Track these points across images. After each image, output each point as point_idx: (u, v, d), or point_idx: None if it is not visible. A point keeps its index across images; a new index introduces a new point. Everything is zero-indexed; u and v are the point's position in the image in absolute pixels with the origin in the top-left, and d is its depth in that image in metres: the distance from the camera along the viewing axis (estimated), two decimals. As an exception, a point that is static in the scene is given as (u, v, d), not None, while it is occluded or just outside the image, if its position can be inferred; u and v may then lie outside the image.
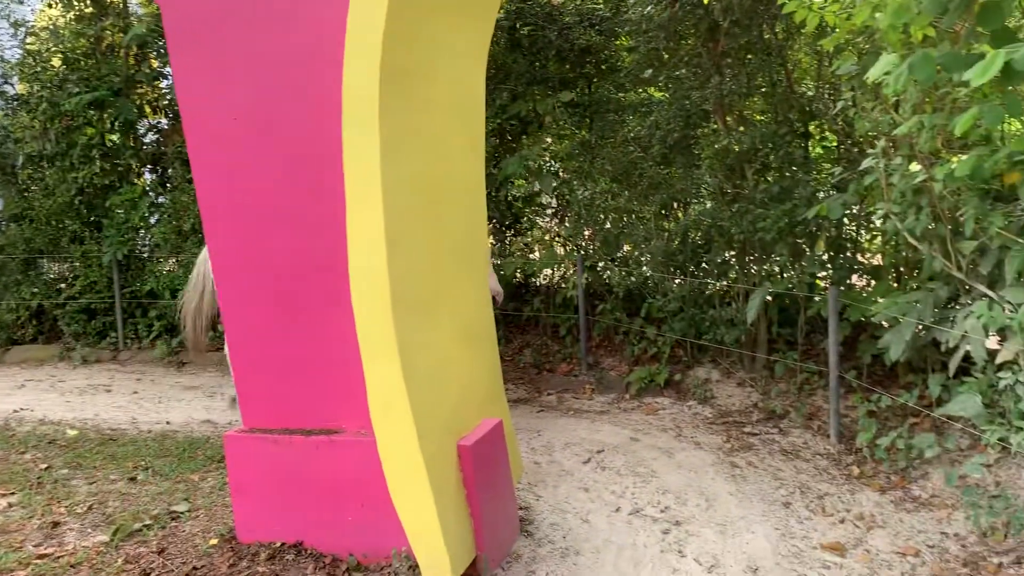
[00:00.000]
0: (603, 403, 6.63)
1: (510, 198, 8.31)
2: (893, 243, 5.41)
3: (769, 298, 6.27)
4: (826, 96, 6.21)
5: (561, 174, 8.47)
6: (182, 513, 4.28)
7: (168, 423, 6.35)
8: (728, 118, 6.74)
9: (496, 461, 3.83)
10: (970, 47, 3.19)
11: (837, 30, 4.47)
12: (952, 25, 3.62)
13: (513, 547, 3.88)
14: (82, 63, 9.13)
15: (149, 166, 9.70)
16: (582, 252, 7.84)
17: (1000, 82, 3.00)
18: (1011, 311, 3.81)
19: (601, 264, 7.78)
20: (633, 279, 7.29)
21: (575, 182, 7.97)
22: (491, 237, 8.40)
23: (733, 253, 6.84)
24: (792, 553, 3.83)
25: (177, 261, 9.10)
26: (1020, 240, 3.77)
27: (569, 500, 4.51)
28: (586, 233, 8.05)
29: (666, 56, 7.19)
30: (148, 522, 4.14)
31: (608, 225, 7.76)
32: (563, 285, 8.17)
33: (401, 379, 3.24)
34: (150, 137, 9.70)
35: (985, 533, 3.82)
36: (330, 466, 3.53)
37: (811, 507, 4.36)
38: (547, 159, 8.34)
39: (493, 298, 5.32)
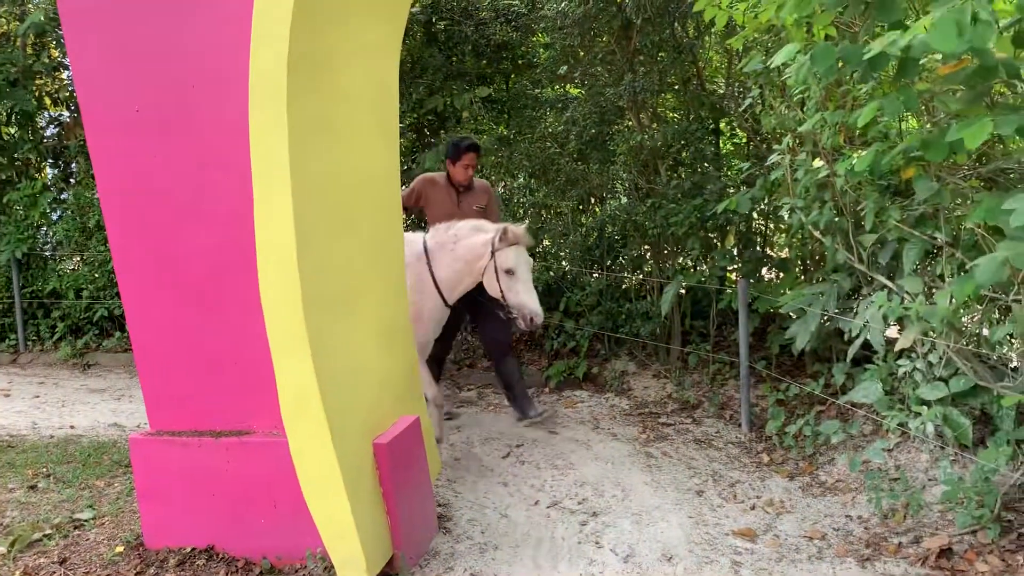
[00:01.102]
0: (522, 398, 6.65)
1: (428, 193, 8.25)
2: (799, 236, 5.59)
3: (682, 291, 6.40)
4: (736, 94, 6.36)
5: (480, 169, 8.46)
6: (86, 521, 4.11)
7: (72, 427, 6.09)
8: (642, 115, 6.85)
9: (413, 458, 3.80)
10: (868, 43, 3.30)
11: (745, 28, 4.58)
12: (852, 18, 3.75)
13: (431, 544, 3.86)
14: (-26, 52, 8.69)
15: (50, 160, 9.29)
16: (501, 247, 7.83)
17: (897, 77, 3.13)
18: (909, 301, 3.97)
19: (520, 259, 7.79)
20: (552, 273, 7.34)
21: (493, 177, 7.97)
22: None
23: (648, 247, 6.96)
24: (705, 540, 3.92)
25: (82, 259, 8.74)
26: (916, 232, 3.93)
27: (488, 495, 4.52)
28: (505, 228, 8.06)
29: (581, 53, 7.25)
30: (49, 532, 3.97)
31: (527, 220, 7.79)
32: (483, 280, 8.16)
33: (313, 377, 3.18)
34: (51, 130, 9.30)
35: (886, 515, 3.98)
36: (241, 468, 3.45)
37: (723, 495, 4.46)
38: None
39: (531, 319, 4.81)
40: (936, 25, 2.20)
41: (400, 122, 4.43)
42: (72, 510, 4.25)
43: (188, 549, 3.55)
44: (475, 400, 6.64)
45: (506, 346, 5.84)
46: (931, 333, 3.94)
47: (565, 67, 7.40)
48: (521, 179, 7.89)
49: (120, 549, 3.69)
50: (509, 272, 4.82)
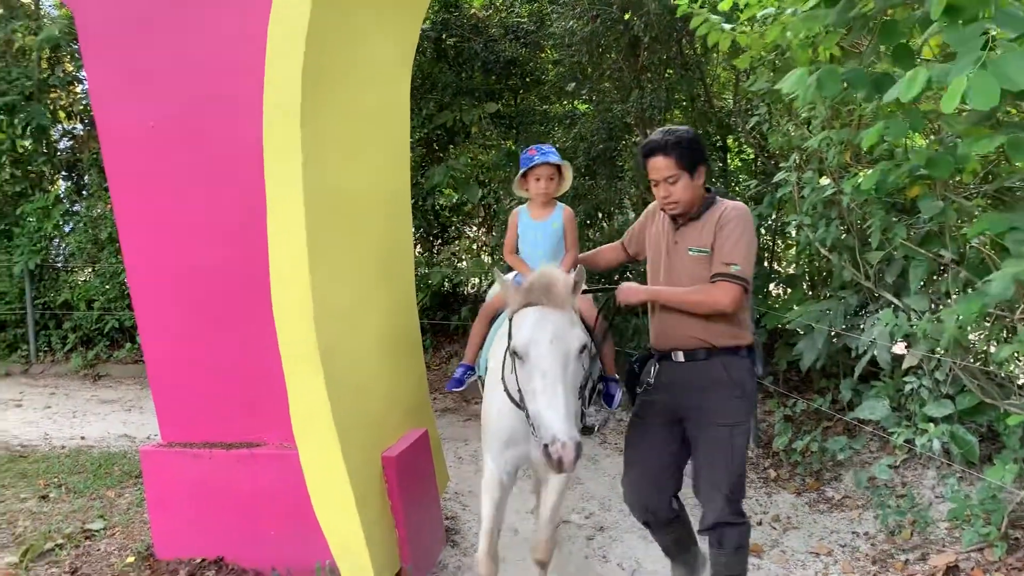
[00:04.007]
0: (530, 412, 6.66)
1: (437, 207, 8.32)
2: (806, 253, 5.61)
3: (690, 306, 6.40)
4: (743, 110, 6.41)
5: (488, 184, 8.53)
6: (97, 531, 4.15)
7: (83, 438, 6.14)
8: (649, 131, 6.88)
9: (421, 471, 3.83)
10: (872, 64, 3.33)
11: (750, 48, 4.63)
12: (857, 39, 3.79)
13: (439, 557, 3.88)
14: (-10, 66, 8.81)
15: (64, 173, 9.39)
16: (509, 261, 7.88)
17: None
18: (915, 318, 4.00)
19: (528, 273, 7.84)
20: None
21: (501, 192, 8.03)
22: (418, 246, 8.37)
23: (656, 263, 6.96)
24: (712, 555, 3.92)
25: (94, 271, 8.82)
26: (922, 251, 3.96)
27: (495, 509, 4.53)
28: (513, 242, 8.11)
29: (589, 70, 7.32)
30: (60, 541, 4.00)
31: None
32: (490, 294, 8.21)
33: (324, 390, 3.22)
34: (64, 143, 9.39)
35: (893, 532, 3.98)
36: (252, 479, 3.48)
37: (730, 510, 4.47)
38: (473, 169, 8.38)
39: (545, 447, 2.38)
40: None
41: (410, 137, 4.46)
42: (83, 520, 4.29)
43: (198, 560, 3.58)
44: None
45: (732, 510, 3.24)
46: (938, 350, 3.96)
47: (573, 83, 7.47)
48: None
49: (131, 559, 3.72)
50: (516, 356, 2.64)
